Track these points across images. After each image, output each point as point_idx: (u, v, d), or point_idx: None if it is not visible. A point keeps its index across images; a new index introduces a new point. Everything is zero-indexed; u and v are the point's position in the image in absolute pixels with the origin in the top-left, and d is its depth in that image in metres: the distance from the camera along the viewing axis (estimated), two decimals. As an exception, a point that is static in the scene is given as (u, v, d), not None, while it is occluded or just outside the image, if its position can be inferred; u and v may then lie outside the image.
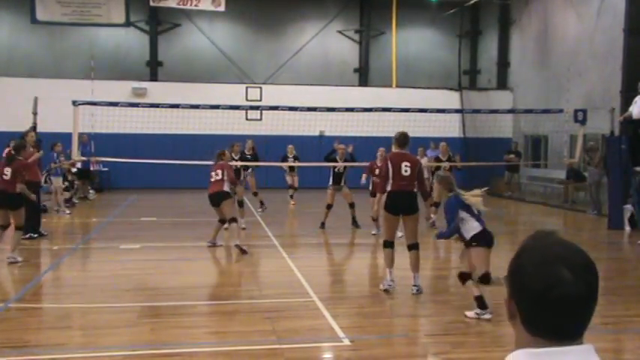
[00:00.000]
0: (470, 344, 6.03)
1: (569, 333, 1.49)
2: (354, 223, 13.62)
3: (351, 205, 13.68)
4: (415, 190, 8.13)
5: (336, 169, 13.93)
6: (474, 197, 7.01)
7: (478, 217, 6.96)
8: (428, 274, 9.57)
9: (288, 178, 19.05)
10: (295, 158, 18.24)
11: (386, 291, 7.96)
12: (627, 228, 13.77)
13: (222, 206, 10.91)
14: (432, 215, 14.55)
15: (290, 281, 8.64)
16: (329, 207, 13.68)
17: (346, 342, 5.96)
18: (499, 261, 10.84)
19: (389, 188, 7.97)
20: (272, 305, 7.34)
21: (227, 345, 5.97)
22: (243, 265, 10.27)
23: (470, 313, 6.82)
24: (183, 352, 5.64)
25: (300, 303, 7.49)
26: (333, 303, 7.35)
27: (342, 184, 13.83)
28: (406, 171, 7.98)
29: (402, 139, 8.23)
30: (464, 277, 7.02)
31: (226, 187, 10.92)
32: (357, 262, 10.77)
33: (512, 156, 21.48)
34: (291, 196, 18.71)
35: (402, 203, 7.94)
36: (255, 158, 15.26)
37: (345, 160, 14.13)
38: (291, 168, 18.54)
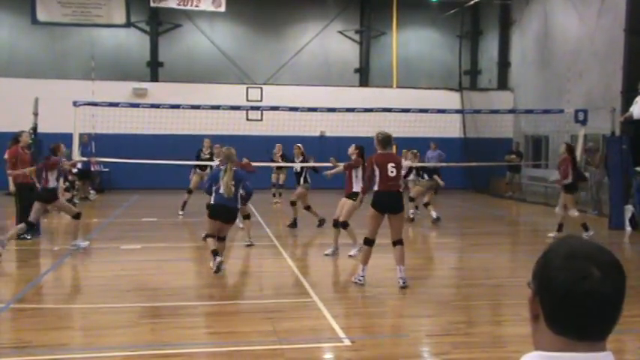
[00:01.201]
0: (470, 344, 6.03)
1: (592, 333, 1.44)
2: (293, 224, 13.69)
3: (292, 203, 13.72)
4: (401, 189, 8.41)
5: (293, 169, 13.99)
6: (227, 177, 8.71)
7: (219, 193, 8.75)
8: (428, 274, 9.59)
9: (274, 177, 19.20)
10: (282, 157, 18.12)
11: (355, 283, 8.27)
12: (628, 228, 13.78)
13: None
14: (411, 210, 14.92)
15: (290, 281, 8.65)
16: (292, 204, 13.81)
17: (347, 342, 5.96)
18: (500, 260, 10.88)
19: (376, 188, 8.22)
20: (273, 305, 7.34)
21: (228, 345, 5.97)
22: (244, 265, 10.28)
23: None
24: (183, 353, 5.65)
25: (300, 303, 7.49)
26: (333, 303, 7.36)
27: (301, 183, 13.70)
28: (392, 172, 8.20)
29: (387, 140, 8.43)
30: (207, 236, 9.06)
31: None
32: (357, 262, 10.75)
33: (513, 156, 21.48)
34: (274, 195, 18.91)
35: (389, 203, 8.18)
36: (212, 158, 15.07)
37: (302, 161, 14.06)
38: (279, 167, 18.54)
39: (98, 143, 20.19)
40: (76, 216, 10.80)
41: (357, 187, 10.34)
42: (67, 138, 15.08)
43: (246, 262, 10.52)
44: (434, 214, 14.58)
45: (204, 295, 8.20)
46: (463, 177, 23.98)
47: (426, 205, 14.92)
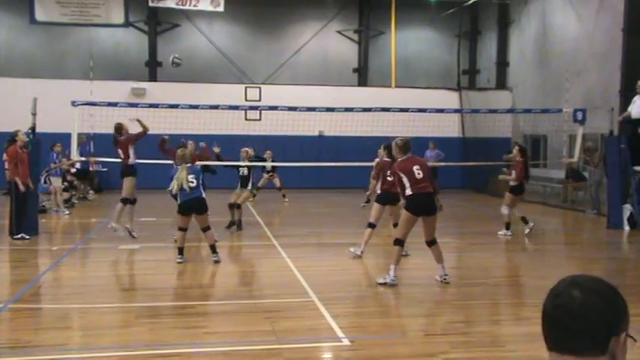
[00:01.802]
0: (469, 344, 6.03)
1: (571, 347, 1.61)
2: (238, 226, 13.23)
3: (237, 207, 13.32)
4: (432, 190, 8.41)
5: (240, 172, 13.57)
6: (182, 174, 9.53)
7: (183, 191, 9.54)
8: (427, 274, 9.57)
9: (262, 182, 19.01)
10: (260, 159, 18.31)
11: (385, 284, 8.15)
12: (626, 227, 13.79)
13: None
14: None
15: (289, 281, 8.64)
16: (231, 207, 13.31)
17: (346, 342, 5.95)
18: (499, 260, 10.88)
19: (409, 192, 8.24)
20: (271, 305, 7.33)
21: (226, 345, 5.97)
22: (243, 265, 10.27)
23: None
24: (182, 353, 5.64)
25: (299, 303, 7.48)
26: (332, 303, 7.34)
27: (248, 187, 13.42)
28: (419, 174, 8.27)
29: (407, 145, 8.50)
30: (179, 229, 9.90)
31: None
32: (356, 262, 10.76)
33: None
34: (284, 196, 18.86)
35: (423, 205, 8.26)
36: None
37: (251, 162, 13.76)
38: (269, 171, 18.65)
39: (96, 143, 20.17)
40: (124, 200, 11.81)
41: (377, 188, 10.38)
42: (65, 138, 15.11)
43: (245, 261, 10.52)
44: None
45: (203, 295, 8.20)
46: (462, 176, 23.99)
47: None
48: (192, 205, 9.69)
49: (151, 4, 22.42)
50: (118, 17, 22.61)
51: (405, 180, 8.26)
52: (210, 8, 22.61)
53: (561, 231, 15.24)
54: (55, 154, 16.31)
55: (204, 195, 9.81)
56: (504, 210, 12.95)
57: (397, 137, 8.79)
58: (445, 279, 8.36)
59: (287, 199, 18.67)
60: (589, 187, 17.54)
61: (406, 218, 8.31)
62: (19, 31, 24.13)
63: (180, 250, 9.85)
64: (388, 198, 10.03)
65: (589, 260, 10.88)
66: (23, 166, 11.92)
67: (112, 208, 17.58)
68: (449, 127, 22.22)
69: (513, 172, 12.87)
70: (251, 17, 25.94)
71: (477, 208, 19.34)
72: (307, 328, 6.49)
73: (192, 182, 9.61)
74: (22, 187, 11.73)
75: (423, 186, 8.24)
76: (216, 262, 9.70)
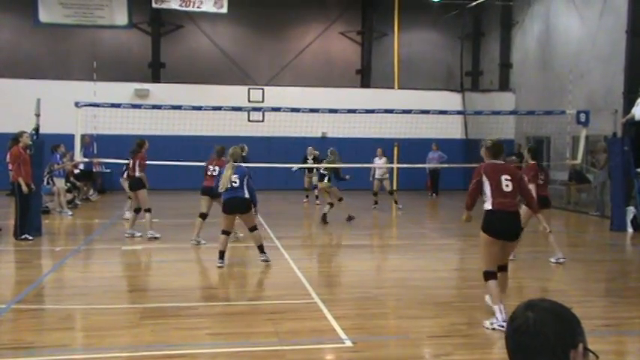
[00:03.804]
0: (471, 346, 6.03)
1: None
2: None
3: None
4: (519, 209, 6.94)
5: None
6: (227, 172, 9.49)
7: (227, 190, 9.48)
8: (429, 276, 9.57)
9: (306, 180, 19.22)
10: (315, 159, 18.31)
11: (494, 330, 6.39)
12: (630, 230, 13.77)
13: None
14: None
15: (292, 282, 8.64)
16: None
17: (348, 343, 5.96)
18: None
19: (489, 207, 6.63)
20: (274, 307, 7.34)
21: (229, 346, 5.97)
22: (245, 266, 10.27)
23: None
24: (184, 354, 5.65)
25: (302, 304, 7.48)
26: (335, 304, 7.35)
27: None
28: (507, 185, 6.59)
29: (498, 148, 6.88)
30: (224, 232, 9.71)
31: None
32: (359, 263, 10.76)
33: (513, 157, 21.43)
34: (307, 197, 19.09)
35: (506, 226, 6.58)
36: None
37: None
38: (310, 169, 18.65)
39: (100, 144, 20.20)
40: (148, 210, 12.16)
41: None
42: (68, 139, 15.12)
43: (248, 263, 10.52)
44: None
45: (206, 296, 8.21)
46: (465, 178, 23.94)
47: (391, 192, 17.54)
48: (232, 204, 9.55)
49: (154, 5, 22.43)
50: (122, 18, 22.64)
51: (487, 188, 6.61)
52: (214, 10, 22.62)
53: (564, 233, 15.20)
54: (58, 155, 16.34)
55: (246, 195, 9.57)
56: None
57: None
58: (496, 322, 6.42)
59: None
60: (593, 188, 17.51)
61: (485, 242, 6.61)
62: (22, 32, 24.19)
63: (222, 254, 9.56)
64: (543, 202, 9.71)
65: (592, 262, 10.87)
66: (26, 167, 11.94)
67: (114, 208, 17.64)
68: (452, 129, 22.21)
69: None
70: (254, 19, 25.96)
71: (479, 209, 19.29)
72: (310, 330, 6.49)
73: (235, 182, 9.49)
74: (24, 189, 11.75)
75: (508, 202, 6.56)
76: (264, 261, 9.71)
